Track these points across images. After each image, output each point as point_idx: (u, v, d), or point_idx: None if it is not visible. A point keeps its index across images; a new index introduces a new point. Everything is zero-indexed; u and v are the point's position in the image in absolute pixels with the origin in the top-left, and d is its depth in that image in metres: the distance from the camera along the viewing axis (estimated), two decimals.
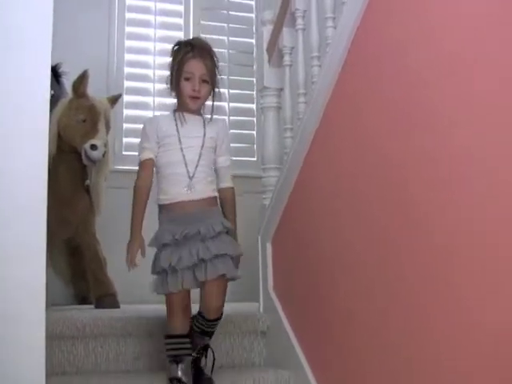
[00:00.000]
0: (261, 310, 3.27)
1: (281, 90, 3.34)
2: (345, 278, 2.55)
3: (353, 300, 2.49)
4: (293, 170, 2.98)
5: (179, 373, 2.64)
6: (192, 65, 2.70)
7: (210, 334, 2.79)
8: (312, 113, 2.83)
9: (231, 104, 4.95)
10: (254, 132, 4.93)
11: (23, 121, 1.63)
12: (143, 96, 4.71)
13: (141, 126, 4.56)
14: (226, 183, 2.85)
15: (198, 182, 2.69)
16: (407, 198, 2.15)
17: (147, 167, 2.76)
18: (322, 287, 2.73)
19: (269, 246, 3.22)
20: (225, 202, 2.83)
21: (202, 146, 2.73)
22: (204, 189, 2.71)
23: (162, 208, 2.73)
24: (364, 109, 2.44)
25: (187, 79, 2.70)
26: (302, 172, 2.92)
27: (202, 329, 2.75)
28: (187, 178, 2.68)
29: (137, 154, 4.49)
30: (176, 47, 2.76)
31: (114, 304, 3.86)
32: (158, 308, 2.99)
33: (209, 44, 2.78)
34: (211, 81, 2.73)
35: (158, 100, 4.69)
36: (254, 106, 4.96)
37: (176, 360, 2.66)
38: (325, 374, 2.74)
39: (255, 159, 4.87)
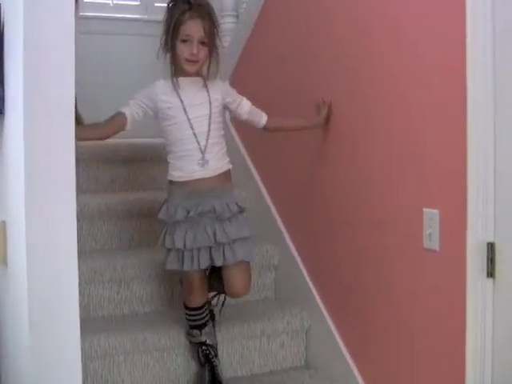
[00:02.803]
0: None
1: None
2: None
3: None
4: (251, 15, 3.20)
5: (203, 337, 2.59)
6: (190, 26, 2.37)
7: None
8: None
9: None
10: None
11: None
12: None
13: None
14: (263, 118, 2.61)
15: (212, 158, 2.45)
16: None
17: (114, 121, 2.47)
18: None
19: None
20: (281, 126, 2.68)
21: (210, 113, 2.47)
22: (218, 164, 2.48)
23: (173, 182, 2.51)
24: None
25: (184, 41, 2.38)
26: (260, 17, 3.15)
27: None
28: (199, 153, 2.44)
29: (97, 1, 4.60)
30: (171, 3, 2.43)
31: None
32: (131, 141, 3.25)
33: (207, 1, 2.45)
34: (210, 42, 2.42)
35: None
36: None
37: (199, 327, 2.60)
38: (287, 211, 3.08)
39: None
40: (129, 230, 3.08)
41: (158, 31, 3.71)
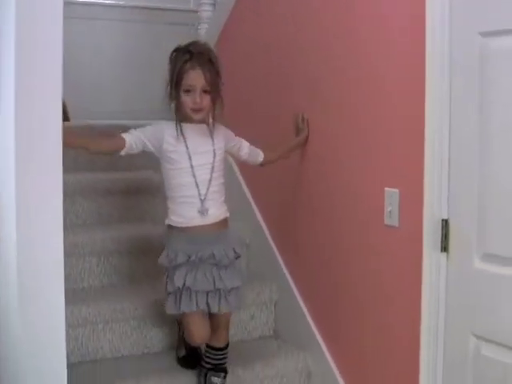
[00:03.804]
0: None
1: None
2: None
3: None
4: (228, 2, 3.30)
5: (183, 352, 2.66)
6: (191, 77, 2.34)
7: (224, 370, 2.55)
8: None
9: None
10: None
11: None
12: None
13: None
14: (260, 156, 2.65)
15: (212, 206, 2.42)
16: None
17: (111, 142, 2.43)
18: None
19: None
20: (273, 159, 2.69)
21: (214, 161, 2.43)
22: (217, 212, 2.44)
23: (173, 227, 2.45)
24: None
25: (187, 91, 2.35)
26: (236, 5, 3.25)
27: (215, 364, 2.55)
28: (199, 201, 2.40)
29: None
30: (173, 54, 2.40)
31: (64, 118, 4.11)
32: (110, 122, 3.33)
33: (208, 48, 2.45)
34: (213, 90, 2.37)
35: None
36: None
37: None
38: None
39: None
40: (108, 206, 3.18)
41: (137, 17, 3.73)
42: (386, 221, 2.28)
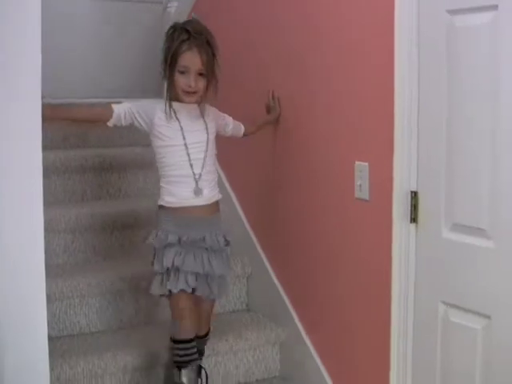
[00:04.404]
0: None
1: None
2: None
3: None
4: None
5: (184, 379, 2.34)
6: (187, 58, 2.27)
7: (201, 352, 2.51)
8: None
9: None
10: None
11: None
12: None
13: None
14: (242, 129, 2.64)
15: (206, 186, 2.35)
16: None
17: (98, 110, 2.43)
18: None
19: None
20: (252, 131, 2.70)
21: (207, 140, 2.38)
22: (211, 193, 2.38)
23: (165, 208, 2.37)
24: None
25: (182, 72, 2.28)
26: None
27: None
28: (193, 181, 2.33)
29: None
30: (170, 31, 2.31)
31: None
32: (83, 101, 3.31)
33: (206, 28, 2.33)
34: (208, 73, 2.30)
35: None
36: None
37: (180, 366, 2.35)
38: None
39: None
40: (81, 183, 3.17)
41: None
42: (357, 194, 2.32)
